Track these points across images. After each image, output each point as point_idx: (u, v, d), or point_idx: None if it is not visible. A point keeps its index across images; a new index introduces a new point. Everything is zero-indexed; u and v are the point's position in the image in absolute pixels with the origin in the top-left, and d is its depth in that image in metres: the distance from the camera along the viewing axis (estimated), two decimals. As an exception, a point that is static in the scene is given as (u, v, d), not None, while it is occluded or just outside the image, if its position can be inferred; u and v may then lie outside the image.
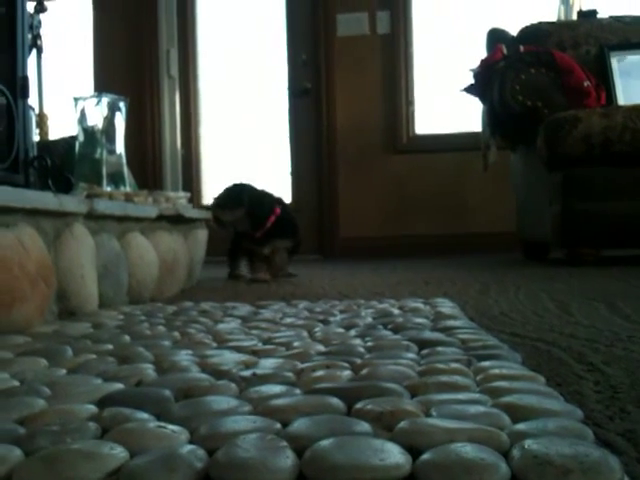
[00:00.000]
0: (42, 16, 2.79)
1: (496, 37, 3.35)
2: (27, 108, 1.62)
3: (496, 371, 0.71)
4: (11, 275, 1.15)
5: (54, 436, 0.53)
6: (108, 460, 0.48)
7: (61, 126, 3.03)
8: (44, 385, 0.72)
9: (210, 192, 4.60)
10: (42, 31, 2.77)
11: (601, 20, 3.49)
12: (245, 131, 4.72)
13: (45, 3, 2.81)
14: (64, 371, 0.82)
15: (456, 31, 4.47)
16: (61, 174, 1.65)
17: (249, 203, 2.37)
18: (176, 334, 1.09)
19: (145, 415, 0.60)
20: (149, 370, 0.79)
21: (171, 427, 0.55)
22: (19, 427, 0.57)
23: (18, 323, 1.17)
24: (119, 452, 0.49)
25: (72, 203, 1.43)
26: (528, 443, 0.46)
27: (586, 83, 2.95)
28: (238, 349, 0.92)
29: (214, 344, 0.99)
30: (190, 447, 0.50)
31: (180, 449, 0.49)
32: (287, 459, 0.47)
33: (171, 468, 0.46)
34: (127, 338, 1.07)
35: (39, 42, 2.73)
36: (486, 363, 0.76)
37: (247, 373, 0.74)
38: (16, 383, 0.75)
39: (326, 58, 4.49)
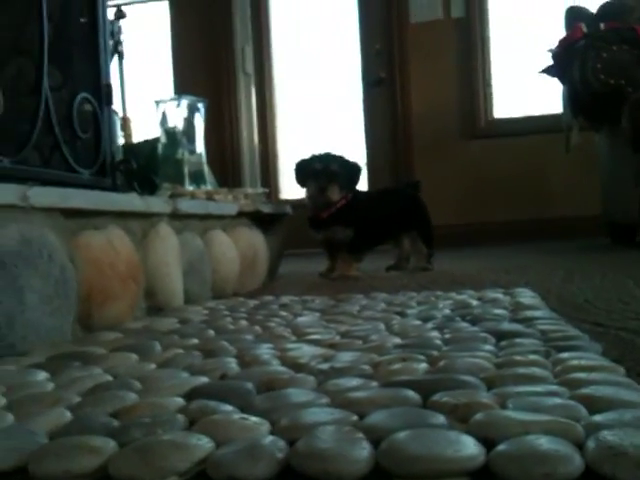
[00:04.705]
0: (122, 22, 2.90)
1: (575, 15, 3.23)
2: (112, 114, 1.69)
3: (575, 362, 0.71)
4: (103, 275, 1.22)
5: (146, 428, 0.57)
6: (196, 450, 0.51)
7: (144, 128, 3.14)
8: (135, 379, 0.76)
9: (287, 186, 4.65)
10: (122, 37, 2.87)
11: (688, -9, 3.32)
12: (320, 124, 4.74)
13: (123, 9, 2.92)
14: (154, 365, 0.86)
15: (533, 10, 4.35)
16: (146, 176, 1.72)
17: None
18: (257, 328, 1.13)
19: (229, 407, 0.63)
20: (232, 364, 0.83)
21: (254, 419, 0.57)
22: (113, 420, 0.61)
23: (110, 320, 1.24)
24: (206, 442, 0.52)
25: (157, 204, 1.49)
26: (603, 434, 0.46)
27: (673, 58, 2.81)
28: (316, 342, 0.95)
29: (293, 337, 1.02)
30: (272, 438, 0.52)
31: (262, 440, 0.52)
32: (364, 450, 0.48)
33: (255, 458, 0.49)
34: (212, 332, 1.11)
35: (120, 48, 2.84)
36: (565, 354, 0.75)
37: (325, 366, 0.76)
38: (110, 378, 0.80)
39: (399, 46, 4.46)
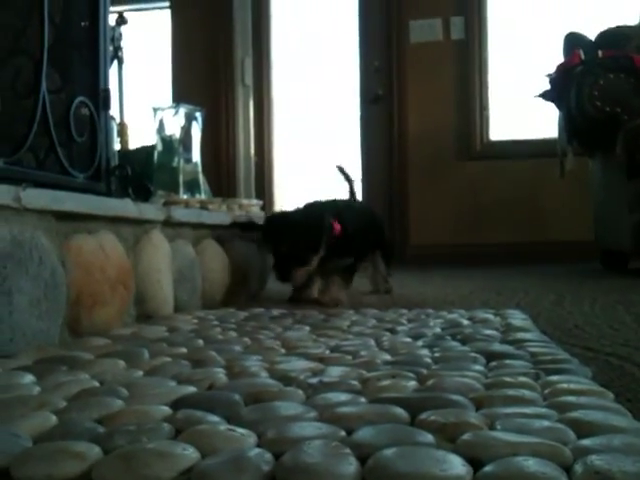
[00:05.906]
0: (123, 28, 2.91)
1: (574, 42, 3.26)
2: (109, 119, 1.69)
3: (564, 386, 0.70)
4: (93, 279, 1.21)
5: (131, 435, 0.56)
6: (181, 460, 0.50)
7: (140, 135, 3.14)
8: (122, 386, 0.75)
9: (282, 199, 4.65)
10: (123, 43, 2.89)
11: (685, 22, 3.36)
12: (317, 138, 4.76)
13: (125, 15, 2.93)
14: (141, 373, 0.85)
15: (532, 35, 4.39)
16: (140, 182, 1.71)
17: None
18: (247, 339, 1.12)
19: (216, 418, 0.62)
20: (220, 374, 0.82)
21: (240, 430, 0.57)
22: (99, 426, 0.60)
23: (99, 325, 1.23)
24: (191, 452, 0.52)
25: (151, 211, 1.48)
26: (591, 459, 0.46)
27: (668, 88, 2.84)
28: (306, 356, 0.94)
29: (283, 350, 1.01)
30: (258, 450, 0.52)
31: (248, 452, 0.51)
32: (350, 466, 0.48)
33: (240, 470, 0.48)
34: (200, 342, 1.10)
35: (120, 54, 2.85)
36: (554, 377, 0.75)
37: (314, 380, 0.76)
38: (96, 384, 0.79)
39: (398, 65, 4.48)
